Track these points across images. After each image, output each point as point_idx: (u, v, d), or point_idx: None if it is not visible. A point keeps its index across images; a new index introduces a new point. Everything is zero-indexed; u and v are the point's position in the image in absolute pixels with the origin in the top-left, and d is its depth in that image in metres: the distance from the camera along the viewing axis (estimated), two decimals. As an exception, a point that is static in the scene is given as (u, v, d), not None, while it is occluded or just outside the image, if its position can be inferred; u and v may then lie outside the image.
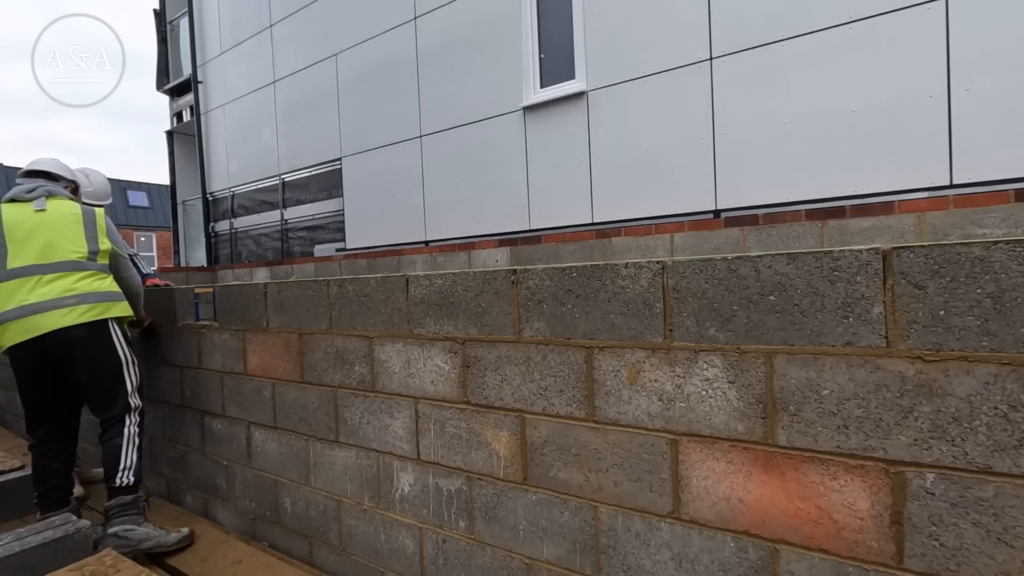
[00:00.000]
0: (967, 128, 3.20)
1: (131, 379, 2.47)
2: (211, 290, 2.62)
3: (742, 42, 3.88)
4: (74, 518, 2.14)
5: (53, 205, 2.45)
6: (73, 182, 2.73)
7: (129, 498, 2.30)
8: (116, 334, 2.45)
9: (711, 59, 4.01)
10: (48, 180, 2.59)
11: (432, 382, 1.71)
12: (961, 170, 3.23)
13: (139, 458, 2.39)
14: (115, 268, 2.57)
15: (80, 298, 2.33)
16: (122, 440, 2.36)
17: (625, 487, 1.33)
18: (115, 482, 2.30)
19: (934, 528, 0.98)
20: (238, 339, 2.38)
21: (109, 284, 2.47)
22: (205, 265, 8.91)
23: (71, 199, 2.58)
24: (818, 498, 1.09)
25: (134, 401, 2.45)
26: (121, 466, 2.33)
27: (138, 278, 2.73)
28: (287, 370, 2.18)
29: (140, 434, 2.43)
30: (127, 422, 2.40)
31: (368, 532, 1.94)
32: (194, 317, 2.68)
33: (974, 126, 3.18)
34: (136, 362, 2.51)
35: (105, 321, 2.40)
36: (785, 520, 1.13)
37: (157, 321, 2.83)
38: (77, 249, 2.39)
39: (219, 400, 2.51)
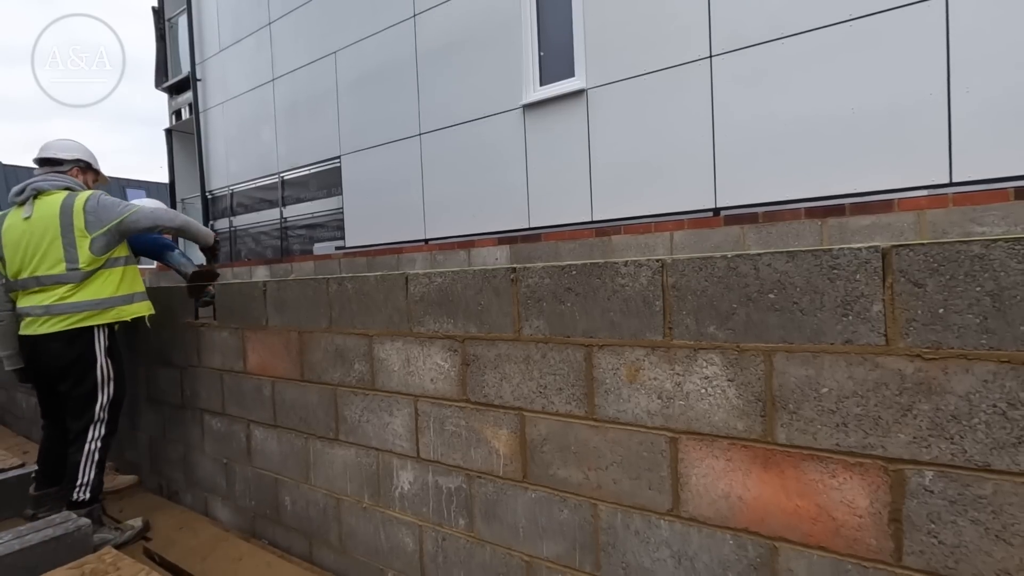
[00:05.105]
0: (967, 127, 3.20)
1: (104, 394, 2.45)
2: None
3: (742, 41, 3.87)
4: (74, 516, 2.15)
5: (39, 209, 2.37)
6: (81, 161, 2.61)
7: (83, 511, 2.33)
8: (99, 345, 2.42)
9: (711, 57, 4.01)
10: (50, 167, 2.53)
11: (432, 380, 1.71)
12: (961, 168, 3.23)
13: (97, 473, 2.41)
14: (129, 239, 2.54)
15: (54, 309, 2.35)
16: (81, 456, 2.39)
17: (624, 485, 1.34)
18: (71, 497, 2.36)
19: (933, 526, 0.98)
20: (238, 337, 2.38)
21: (95, 291, 2.39)
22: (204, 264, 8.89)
23: (68, 188, 2.46)
24: (817, 496, 1.09)
25: (101, 415, 2.44)
26: (78, 483, 2.37)
27: (162, 216, 2.56)
28: (287, 368, 2.18)
29: (102, 449, 2.44)
30: (89, 437, 2.41)
31: (368, 530, 1.94)
32: (194, 315, 2.68)
33: (974, 125, 3.18)
34: (113, 377, 2.47)
35: (88, 331, 2.39)
36: (784, 518, 1.13)
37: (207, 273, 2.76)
38: (55, 265, 2.35)
39: (219, 399, 2.51)
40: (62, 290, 2.35)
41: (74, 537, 2.02)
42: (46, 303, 2.35)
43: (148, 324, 2.63)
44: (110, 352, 2.47)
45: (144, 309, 2.58)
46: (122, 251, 2.51)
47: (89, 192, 2.47)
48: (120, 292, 2.47)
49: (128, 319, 2.51)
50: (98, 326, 2.42)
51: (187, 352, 2.67)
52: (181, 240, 3.04)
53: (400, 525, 1.84)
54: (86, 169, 2.65)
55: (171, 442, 2.84)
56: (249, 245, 8.34)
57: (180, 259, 3.04)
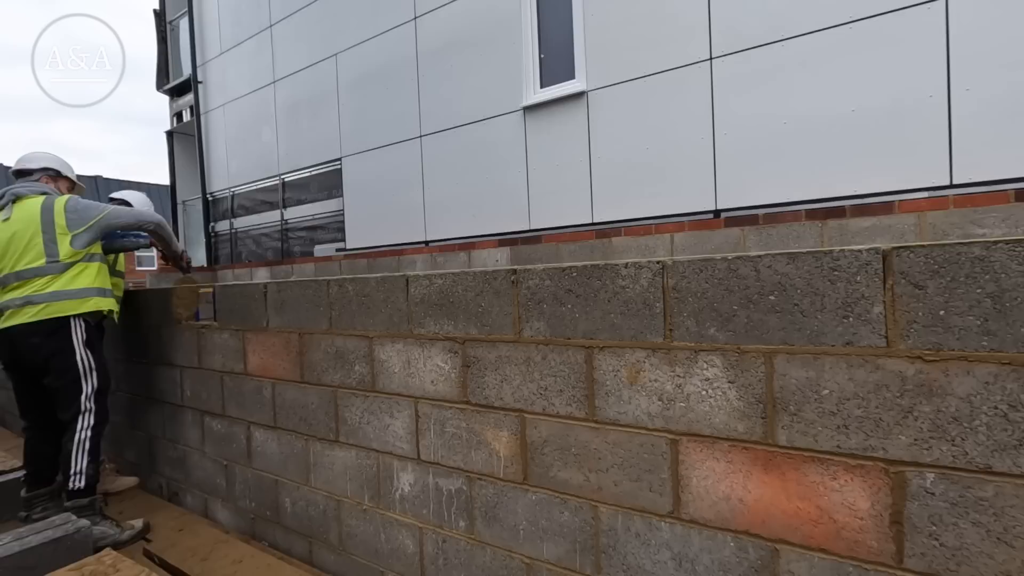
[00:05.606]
0: (967, 128, 3.20)
1: (89, 383, 2.50)
2: (211, 290, 2.62)
3: (742, 42, 3.87)
4: (73, 518, 2.15)
5: (19, 211, 2.51)
6: (49, 169, 2.78)
7: (84, 501, 2.39)
8: (76, 337, 2.48)
9: (711, 59, 4.01)
10: (24, 177, 2.71)
11: (432, 382, 1.71)
12: (961, 170, 3.23)
13: (90, 461, 2.45)
14: (106, 237, 2.70)
15: (34, 299, 2.44)
16: (72, 446, 2.43)
17: (625, 487, 1.33)
18: (68, 486, 2.40)
19: (934, 528, 0.98)
20: (238, 339, 2.38)
21: (73, 281, 2.50)
22: (205, 265, 8.90)
23: (42, 193, 2.60)
24: (818, 498, 1.09)
25: (88, 405, 2.49)
26: (72, 471, 2.40)
27: (145, 214, 2.83)
28: (287, 370, 2.18)
29: (92, 438, 2.48)
30: (78, 427, 2.45)
31: (368, 532, 1.94)
32: (194, 317, 2.68)
33: (974, 126, 3.18)
34: (95, 368, 2.53)
35: (65, 323, 2.46)
36: (785, 520, 1.13)
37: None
38: (35, 260, 2.46)
39: (219, 400, 2.51)
40: (41, 281, 2.45)
41: (74, 539, 2.02)
42: (26, 294, 2.43)
43: (115, 320, 2.74)
44: (88, 344, 2.52)
45: (114, 304, 2.69)
46: (97, 248, 2.64)
47: (67, 196, 2.64)
48: (96, 284, 2.58)
49: (104, 311, 2.61)
50: (75, 318, 2.48)
51: (187, 353, 2.67)
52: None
53: (400, 527, 1.84)
54: (56, 177, 2.81)
55: (171, 443, 2.84)
56: (250, 247, 8.34)
57: (127, 239, 3.10)
